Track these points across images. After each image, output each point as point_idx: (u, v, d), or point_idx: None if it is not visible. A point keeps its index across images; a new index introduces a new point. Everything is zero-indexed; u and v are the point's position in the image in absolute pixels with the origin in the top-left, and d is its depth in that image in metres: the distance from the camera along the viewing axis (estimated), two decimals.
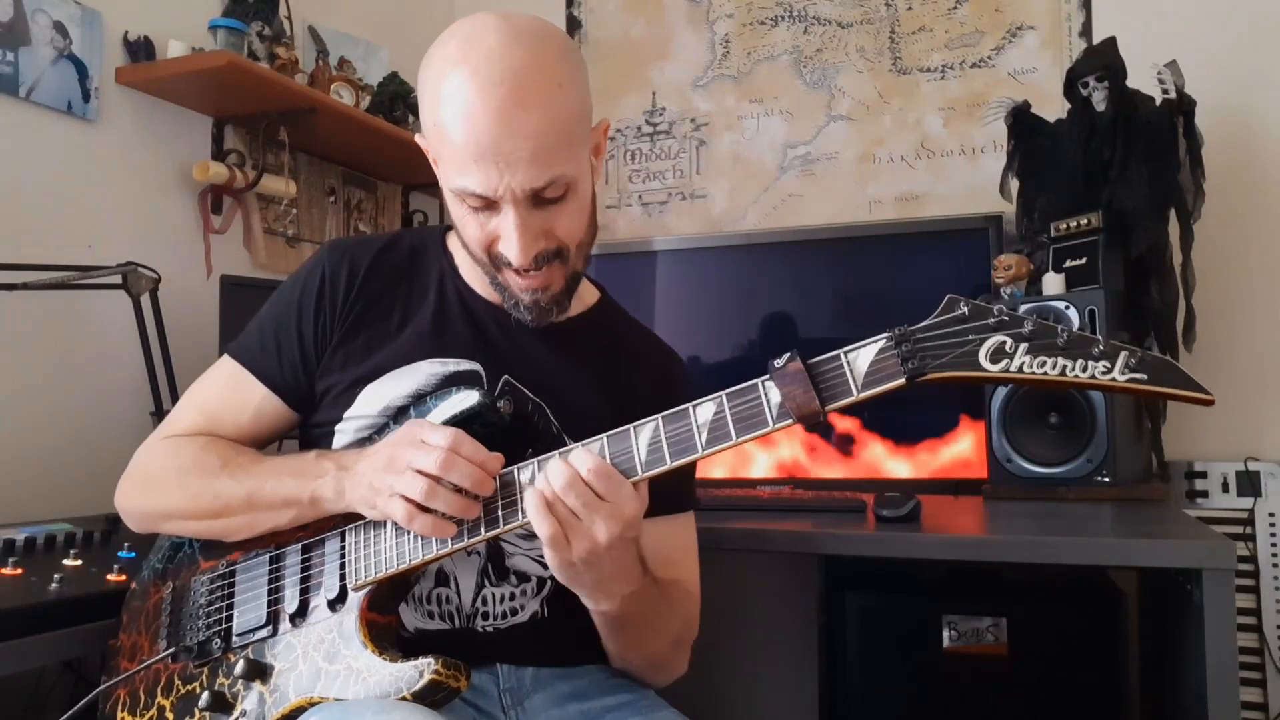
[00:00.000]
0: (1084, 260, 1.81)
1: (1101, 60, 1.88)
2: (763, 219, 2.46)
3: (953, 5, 2.33)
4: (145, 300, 1.70)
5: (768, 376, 0.83)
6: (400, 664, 0.89)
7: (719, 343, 2.15)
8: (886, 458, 1.96)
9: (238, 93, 1.96)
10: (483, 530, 0.91)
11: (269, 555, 1.02)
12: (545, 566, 1.04)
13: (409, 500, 0.89)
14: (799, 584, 2.15)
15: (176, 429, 1.11)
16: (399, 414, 1.03)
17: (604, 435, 0.89)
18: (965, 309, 0.79)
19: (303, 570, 0.99)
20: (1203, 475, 1.99)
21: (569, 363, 1.11)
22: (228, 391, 1.11)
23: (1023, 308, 1.45)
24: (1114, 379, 0.74)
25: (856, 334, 0.83)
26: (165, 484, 1.07)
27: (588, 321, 1.16)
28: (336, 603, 0.95)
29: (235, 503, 1.01)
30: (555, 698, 1.04)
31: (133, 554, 1.28)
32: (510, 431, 0.97)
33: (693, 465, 0.88)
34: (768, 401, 0.83)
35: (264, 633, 0.98)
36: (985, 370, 0.77)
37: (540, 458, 0.90)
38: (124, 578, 1.16)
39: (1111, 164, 1.84)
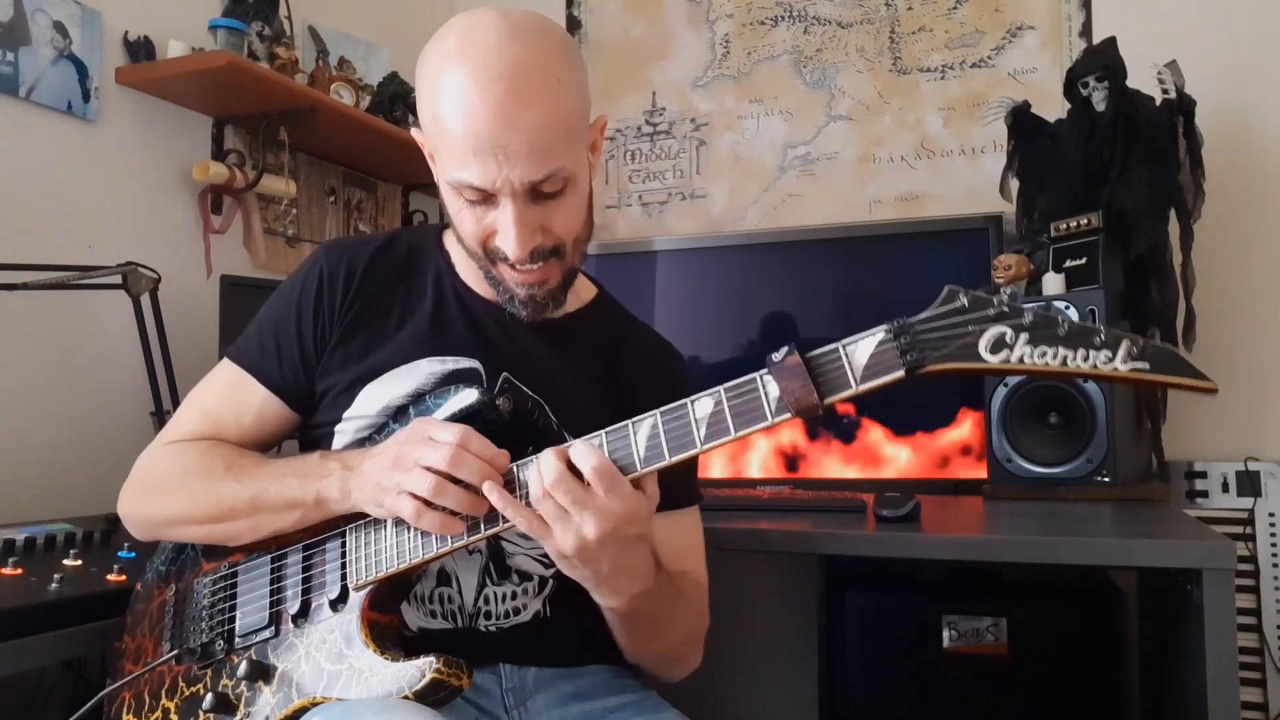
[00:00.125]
0: (1084, 260, 1.81)
1: (1101, 60, 1.88)
2: (763, 219, 2.46)
3: (953, 5, 2.33)
4: (145, 300, 1.70)
5: (766, 370, 0.82)
6: (402, 663, 0.89)
7: (719, 343, 2.15)
8: (885, 443, 1.96)
9: (238, 93, 1.96)
10: (482, 528, 0.91)
11: (270, 556, 1.02)
12: (547, 566, 1.05)
13: (417, 497, 0.89)
14: (799, 584, 2.15)
15: (178, 434, 1.11)
16: (398, 413, 1.03)
17: (603, 431, 0.88)
18: (965, 300, 0.77)
19: (304, 571, 0.99)
20: (1203, 475, 2.00)
21: (568, 360, 1.11)
22: (229, 395, 1.11)
23: None
24: (1116, 368, 0.72)
25: (856, 334, 0.82)
26: (168, 489, 1.06)
27: (585, 318, 1.16)
28: (338, 603, 0.95)
29: (239, 506, 1.00)
30: (558, 698, 1.04)
31: (133, 554, 1.28)
32: (510, 429, 0.97)
33: (695, 460, 0.88)
34: (766, 395, 0.82)
35: (267, 634, 0.98)
36: (985, 361, 0.76)
37: (540, 455, 0.90)
38: (124, 578, 1.16)
39: (1111, 164, 1.84)
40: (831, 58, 2.43)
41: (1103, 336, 0.73)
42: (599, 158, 1.09)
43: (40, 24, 1.74)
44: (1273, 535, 1.92)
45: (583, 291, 1.18)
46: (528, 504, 0.88)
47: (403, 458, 0.91)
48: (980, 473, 1.83)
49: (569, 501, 0.85)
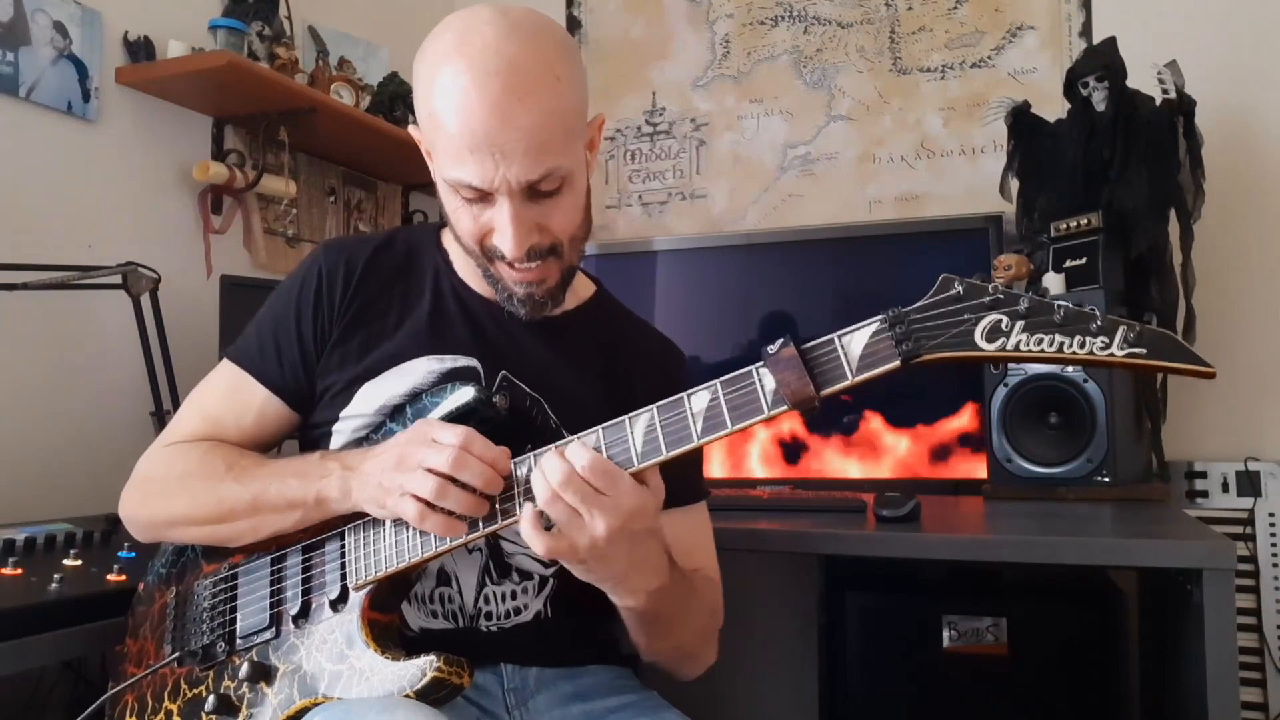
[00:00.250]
0: (1084, 260, 1.81)
1: (1101, 60, 1.88)
2: (763, 219, 2.46)
3: (953, 5, 2.33)
4: (145, 300, 1.70)
5: (762, 363, 0.82)
6: (403, 662, 0.89)
7: (719, 343, 2.15)
8: (885, 431, 1.96)
9: (238, 93, 1.96)
10: (481, 526, 0.90)
11: (270, 557, 1.02)
12: (547, 565, 1.04)
13: (420, 499, 0.89)
14: (799, 584, 2.15)
15: (179, 435, 1.11)
16: (396, 412, 1.03)
17: (599, 427, 0.88)
18: (960, 288, 0.77)
19: (304, 571, 0.99)
20: (1203, 475, 2.00)
21: (566, 358, 1.11)
22: (229, 395, 1.10)
23: None
24: (1112, 354, 0.72)
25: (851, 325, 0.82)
26: (169, 491, 1.06)
27: (584, 316, 1.16)
28: (338, 603, 0.95)
29: (240, 506, 1.00)
30: (559, 698, 1.04)
31: (133, 554, 1.28)
32: (508, 427, 0.96)
33: (699, 455, 0.88)
34: (762, 388, 0.82)
35: (268, 635, 0.98)
36: (981, 349, 0.75)
37: (536, 452, 0.89)
38: (124, 578, 1.16)
39: (1111, 164, 1.84)
40: (831, 58, 2.43)
41: (1099, 322, 0.72)
42: (597, 156, 1.08)
43: (40, 24, 1.74)
44: (1273, 535, 1.92)
45: (581, 289, 1.18)
46: (528, 503, 0.87)
47: (405, 459, 0.90)
48: (980, 471, 1.83)
49: (578, 500, 0.84)
